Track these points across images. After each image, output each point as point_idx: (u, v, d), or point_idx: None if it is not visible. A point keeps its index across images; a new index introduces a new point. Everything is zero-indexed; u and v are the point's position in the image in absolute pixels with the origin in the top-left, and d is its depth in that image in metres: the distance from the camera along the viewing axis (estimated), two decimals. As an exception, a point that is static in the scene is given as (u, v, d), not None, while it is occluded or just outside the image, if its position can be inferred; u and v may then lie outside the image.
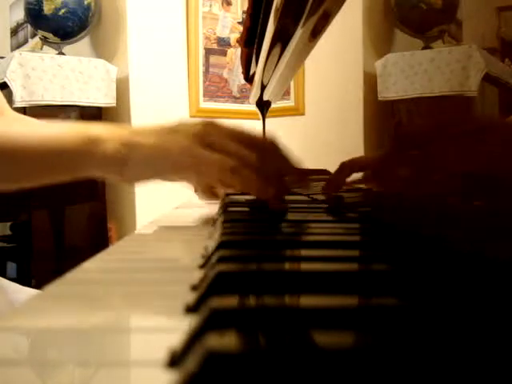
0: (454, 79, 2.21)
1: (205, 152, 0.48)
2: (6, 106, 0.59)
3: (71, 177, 0.53)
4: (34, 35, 2.80)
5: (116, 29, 2.44)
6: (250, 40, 1.02)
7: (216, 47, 2.62)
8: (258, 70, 1.02)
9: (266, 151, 0.51)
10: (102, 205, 2.40)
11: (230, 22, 2.65)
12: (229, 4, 2.65)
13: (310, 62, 2.29)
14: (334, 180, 0.56)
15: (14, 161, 0.52)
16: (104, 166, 0.50)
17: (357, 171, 0.55)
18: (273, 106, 1.27)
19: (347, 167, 0.55)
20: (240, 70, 1.43)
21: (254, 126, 0.56)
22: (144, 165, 0.49)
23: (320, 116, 2.53)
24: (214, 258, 0.28)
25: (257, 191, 0.50)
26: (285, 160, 0.52)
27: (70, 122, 2.29)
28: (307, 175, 0.56)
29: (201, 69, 2.57)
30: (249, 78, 1.23)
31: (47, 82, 2.17)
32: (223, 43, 2.64)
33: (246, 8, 2.06)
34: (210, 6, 2.59)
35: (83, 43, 2.49)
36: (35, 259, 2.29)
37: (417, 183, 0.41)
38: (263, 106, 1.24)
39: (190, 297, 0.23)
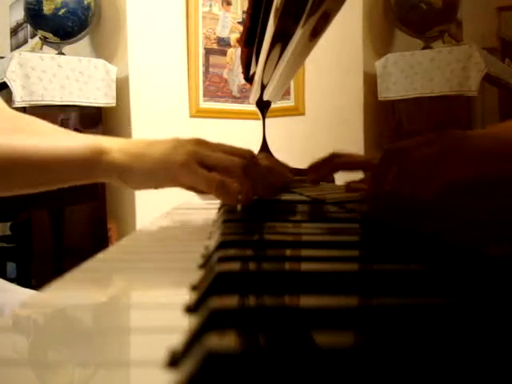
0: (453, 79, 2.21)
1: (199, 169, 0.54)
2: (6, 108, 0.61)
3: (81, 183, 0.58)
4: (33, 35, 2.80)
5: (116, 29, 2.44)
6: (250, 40, 1.02)
7: (216, 47, 2.62)
8: (258, 70, 1.02)
9: (249, 158, 0.58)
10: (102, 205, 2.40)
11: (230, 22, 2.65)
12: (229, 4, 2.65)
13: (310, 62, 2.28)
14: (316, 167, 0.59)
15: (25, 172, 0.56)
16: (110, 173, 0.55)
17: (346, 169, 0.58)
18: (273, 105, 1.27)
19: (335, 160, 0.58)
20: (240, 69, 1.43)
21: (254, 126, 0.57)
22: (146, 175, 0.55)
23: (320, 116, 2.53)
24: (214, 258, 0.28)
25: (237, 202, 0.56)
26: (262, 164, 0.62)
27: (69, 122, 2.29)
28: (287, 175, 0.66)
29: (201, 69, 2.57)
30: (249, 78, 1.23)
31: (47, 82, 2.17)
32: (223, 43, 2.64)
33: (246, 8, 2.06)
34: (210, 5, 2.59)
35: (83, 43, 2.49)
36: (35, 259, 2.28)
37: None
38: (263, 106, 1.24)
39: (190, 297, 0.23)
